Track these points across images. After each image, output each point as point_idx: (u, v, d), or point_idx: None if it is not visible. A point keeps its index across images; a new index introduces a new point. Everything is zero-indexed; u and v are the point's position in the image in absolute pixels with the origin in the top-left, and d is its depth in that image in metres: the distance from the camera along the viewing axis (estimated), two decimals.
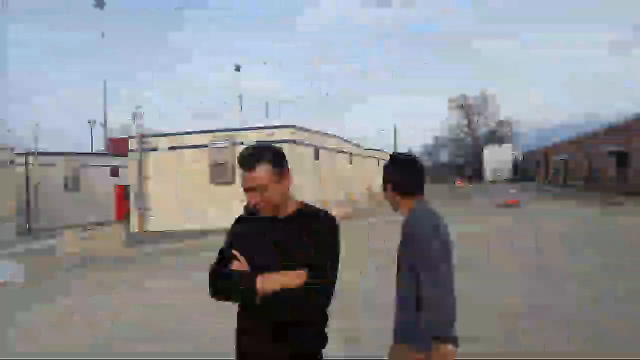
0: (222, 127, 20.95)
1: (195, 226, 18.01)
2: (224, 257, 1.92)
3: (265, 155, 1.84)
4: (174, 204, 19.71)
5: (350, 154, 32.18)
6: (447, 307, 2.07)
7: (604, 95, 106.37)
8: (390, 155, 2.52)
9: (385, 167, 2.43)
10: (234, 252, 1.89)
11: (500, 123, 77.01)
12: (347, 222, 17.05)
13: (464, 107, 77.33)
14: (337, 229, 1.91)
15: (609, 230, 13.32)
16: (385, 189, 2.39)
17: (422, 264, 2.08)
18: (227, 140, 19.60)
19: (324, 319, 1.91)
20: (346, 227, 16.35)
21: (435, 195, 29.45)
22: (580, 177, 35.89)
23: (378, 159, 43.61)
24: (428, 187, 2.42)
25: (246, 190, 1.86)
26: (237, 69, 33.94)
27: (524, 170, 61.32)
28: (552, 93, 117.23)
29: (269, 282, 1.77)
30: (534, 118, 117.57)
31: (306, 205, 1.98)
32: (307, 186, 22.64)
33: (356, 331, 5.44)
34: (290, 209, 1.92)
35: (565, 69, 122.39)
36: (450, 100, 77.87)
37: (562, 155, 42.66)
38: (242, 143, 20.28)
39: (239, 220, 2.03)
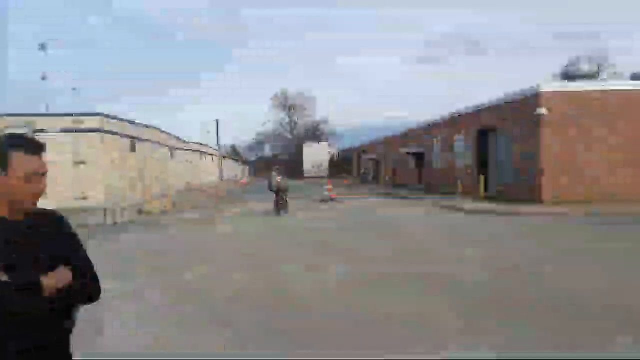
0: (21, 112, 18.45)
1: None
2: None
3: None
4: None
5: (171, 147, 30.94)
6: None
7: (416, 100, 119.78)
8: None
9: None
10: None
11: (319, 121, 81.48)
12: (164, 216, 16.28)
13: (285, 103, 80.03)
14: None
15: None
16: None
17: None
18: (25, 126, 17.30)
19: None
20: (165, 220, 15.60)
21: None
22: (387, 174, 39.70)
23: (201, 153, 42.76)
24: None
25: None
26: (42, 47, 30.09)
27: (339, 167, 65.71)
28: (366, 97, 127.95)
29: (53, 280, 1.60)
30: (349, 119, 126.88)
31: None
32: (122, 179, 21.09)
33: None
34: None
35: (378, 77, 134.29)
36: (273, 97, 79.90)
37: (372, 154, 46.67)
38: (42, 130, 18.13)
39: None
